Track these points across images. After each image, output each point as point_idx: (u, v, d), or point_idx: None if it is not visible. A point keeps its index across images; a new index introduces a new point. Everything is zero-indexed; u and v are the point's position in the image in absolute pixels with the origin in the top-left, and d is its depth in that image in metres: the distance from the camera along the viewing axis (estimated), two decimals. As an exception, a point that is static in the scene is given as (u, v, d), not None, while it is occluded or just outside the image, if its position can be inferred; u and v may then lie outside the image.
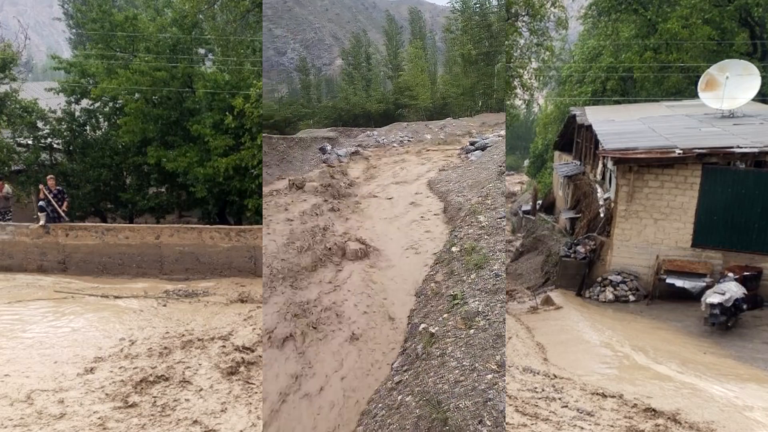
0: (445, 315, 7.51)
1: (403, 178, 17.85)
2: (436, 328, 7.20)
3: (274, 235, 11.70)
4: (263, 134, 22.79)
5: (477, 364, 6.00)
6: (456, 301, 7.72)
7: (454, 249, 9.98)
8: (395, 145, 25.68)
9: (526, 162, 44.34)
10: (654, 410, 6.51)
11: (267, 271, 9.80)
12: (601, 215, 13.25)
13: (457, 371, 5.96)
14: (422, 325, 7.52)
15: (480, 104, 40.09)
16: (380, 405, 6.19)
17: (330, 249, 11.08)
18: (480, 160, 18.66)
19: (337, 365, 7.26)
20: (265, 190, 16.10)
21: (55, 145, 16.86)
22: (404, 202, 14.68)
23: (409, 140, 26.69)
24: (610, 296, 11.46)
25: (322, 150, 23.11)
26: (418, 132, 28.46)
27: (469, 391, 5.53)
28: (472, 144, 23.98)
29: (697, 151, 11.04)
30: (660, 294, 11.20)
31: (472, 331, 6.75)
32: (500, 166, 15.28)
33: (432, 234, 11.77)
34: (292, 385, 6.84)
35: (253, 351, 8.52)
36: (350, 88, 44.72)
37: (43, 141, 16.47)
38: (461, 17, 40.67)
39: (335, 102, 42.70)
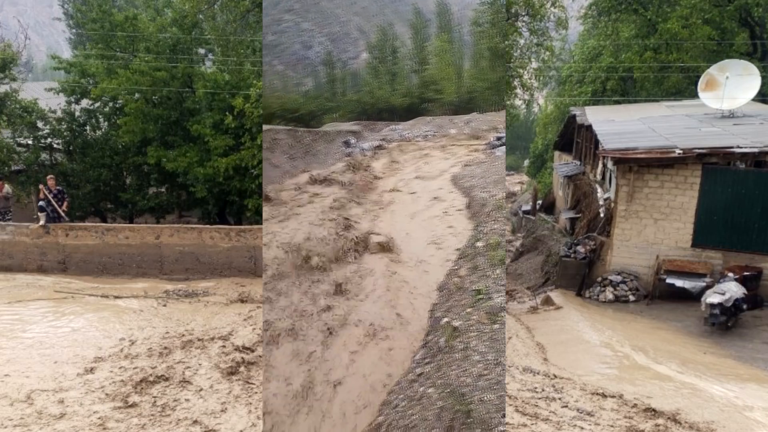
0: (469, 309, 7.50)
1: (427, 172, 17.67)
2: (459, 322, 7.19)
3: (294, 227, 11.72)
4: (289, 127, 22.76)
5: (501, 359, 6.02)
6: (480, 296, 7.72)
7: (478, 244, 9.99)
8: (419, 139, 25.41)
9: (526, 162, 44.30)
10: (654, 410, 6.52)
11: (275, 263, 9.79)
12: (601, 215, 13.26)
13: (480, 365, 5.97)
14: (445, 319, 7.51)
15: (507, 99, 39.59)
16: (401, 396, 6.19)
17: (351, 242, 11.09)
18: (506, 155, 18.53)
19: (356, 357, 7.25)
20: (290, 182, 16.04)
21: (55, 145, 16.87)
22: (427, 197, 14.54)
23: (433, 135, 26.41)
24: (610, 296, 11.46)
25: (346, 143, 23.00)
26: (443, 126, 28.13)
27: (493, 385, 5.53)
28: (498, 139, 23.78)
29: (697, 151, 11.05)
30: (660, 294, 11.20)
31: (496, 326, 6.76)
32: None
33: (455, 230, 11.70)
34: (310, 375, 6.84)
35: (253, 351, 8.52)
36: (375, 81, 44.01)
37: (43, 141, 16.47)
38: (490, 10, 40.05)
39: (360, 96, 42.25)
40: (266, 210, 13.59)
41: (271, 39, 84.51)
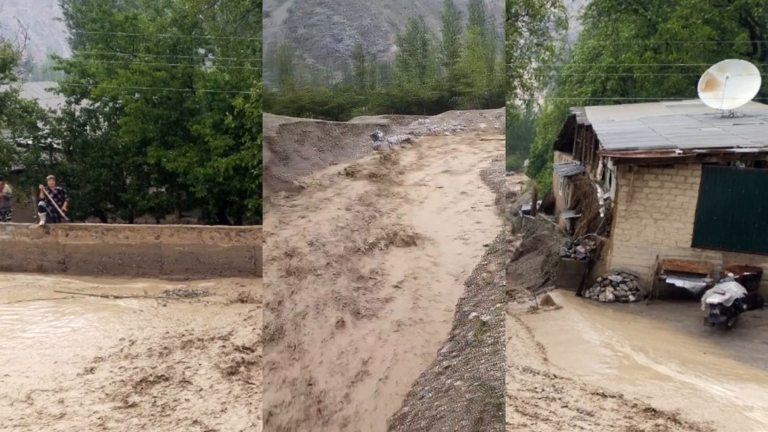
0: (498, 305, 7.52)
1: (455, 167, 17.58)
2: (489, 317, 7.21)
3: (321, 219, 11.74)
4: (319, 120, 22.64)
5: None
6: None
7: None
8: (447, 133, 25.14)
9: (526, 162, 44.28)
10: (654, 410, 6.52)
11: (291, 255, 9.82)
12: (601, 215, 13.26)
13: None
14: (473, 314, 7.51)
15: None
16: (427, 388, 6.22)
17: (378, 235, 11.10)
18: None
19: (380, 349, 7.25)
20: (318, 174, 16.02)
21: (55, 145, 16.86)
22: (455, 191, 14.49)
23: (462, 129, 26.12)
24: (610, 296, 11.46)
25: (374, 137, 22.89)
26: (472, 120, 27.79)
27: None
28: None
29: (697, 151, 11.04)
30: (660, 294, 11.19)
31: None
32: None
33: (483, 225, 11.69)
34: (335, 366, 6.85)
35: (253, 351, 8.52)
36: (404, 74, 43.59)
37: (43, 141, 16.47)
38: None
39: (389, 89, 41.82)
40: (288, 202, 13.40)
41: (303, 32, 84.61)
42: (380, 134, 23.26)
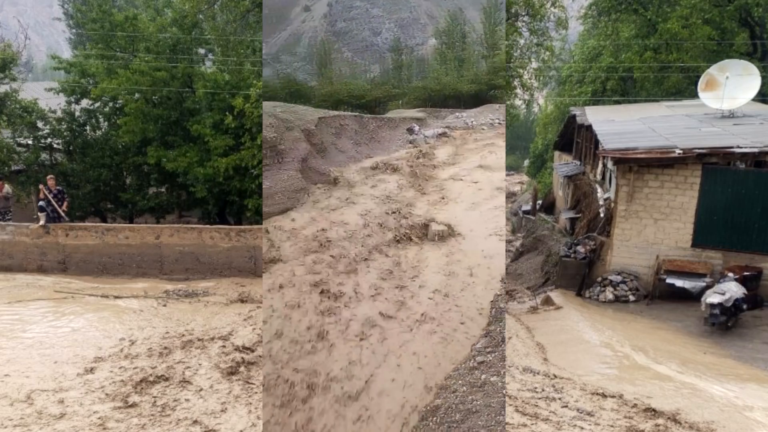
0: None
1: (491, 162, 17.50)
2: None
3: (354, 212, 11.77)
4: (355, 113, 22.56)
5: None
6: None
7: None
8: (485, 127, 25.04)
9: (526, 162, 44.30)
10: (654, 410, 6.52)
11: (326, 246, 9.85)
12: (601, 215, 13.26)
13: None
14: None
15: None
16: (460, 382, 6.25)
17: (411, 229, 11.08)
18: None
19: (409, 343, 7.25)
20: (355, 167, 15.96)
21: (55, 145, 16.87)
22: (490, 186, 14.40)
23: (500, 123, 26.09)
24: (610, 296, 11.46)
25: (410, 130, 22.81)
26: None
27: None
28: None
29: (697, 151, 11.05)
30: (660, 294, 11.20)
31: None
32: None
33: None
34: (365, 358, 6.87)
35: (253, 351, 8.52)
36: (442, 68, 43.33)
37: (43, 141, 16.47)
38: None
39: (426, 82, 41.57)
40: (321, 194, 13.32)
41: (341, 26, 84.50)
42: (416, 128, 23.11)
